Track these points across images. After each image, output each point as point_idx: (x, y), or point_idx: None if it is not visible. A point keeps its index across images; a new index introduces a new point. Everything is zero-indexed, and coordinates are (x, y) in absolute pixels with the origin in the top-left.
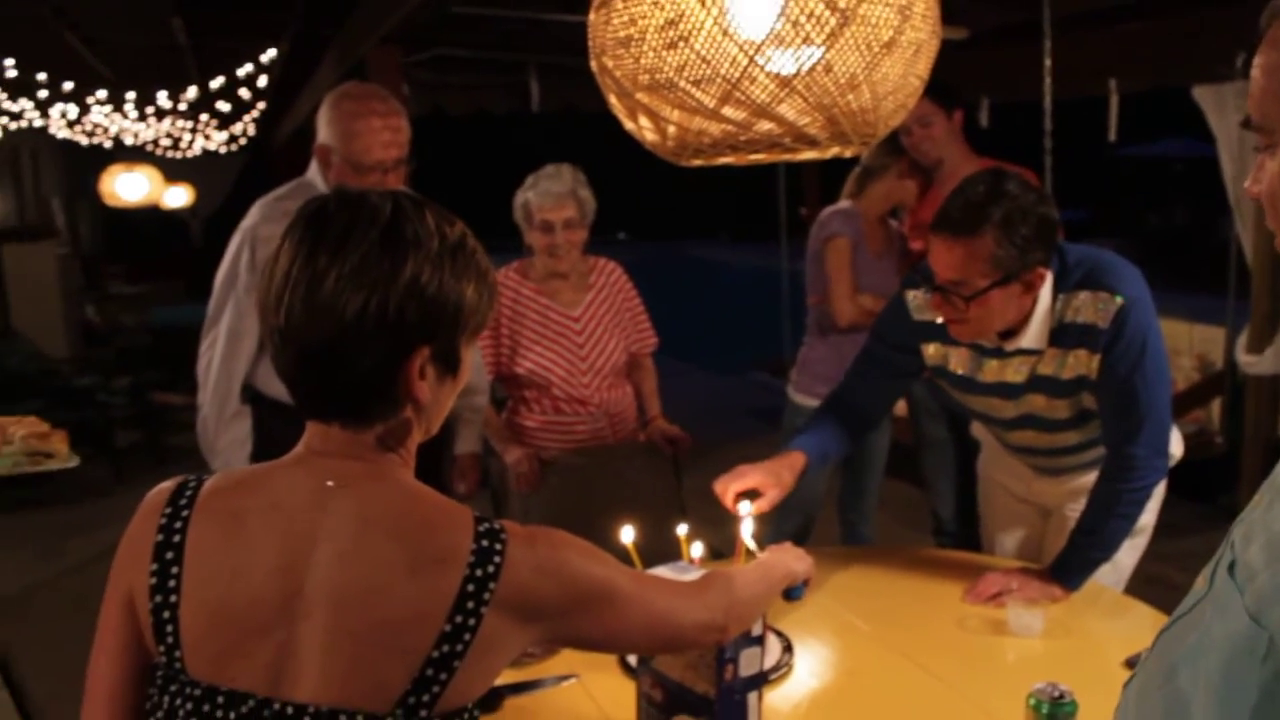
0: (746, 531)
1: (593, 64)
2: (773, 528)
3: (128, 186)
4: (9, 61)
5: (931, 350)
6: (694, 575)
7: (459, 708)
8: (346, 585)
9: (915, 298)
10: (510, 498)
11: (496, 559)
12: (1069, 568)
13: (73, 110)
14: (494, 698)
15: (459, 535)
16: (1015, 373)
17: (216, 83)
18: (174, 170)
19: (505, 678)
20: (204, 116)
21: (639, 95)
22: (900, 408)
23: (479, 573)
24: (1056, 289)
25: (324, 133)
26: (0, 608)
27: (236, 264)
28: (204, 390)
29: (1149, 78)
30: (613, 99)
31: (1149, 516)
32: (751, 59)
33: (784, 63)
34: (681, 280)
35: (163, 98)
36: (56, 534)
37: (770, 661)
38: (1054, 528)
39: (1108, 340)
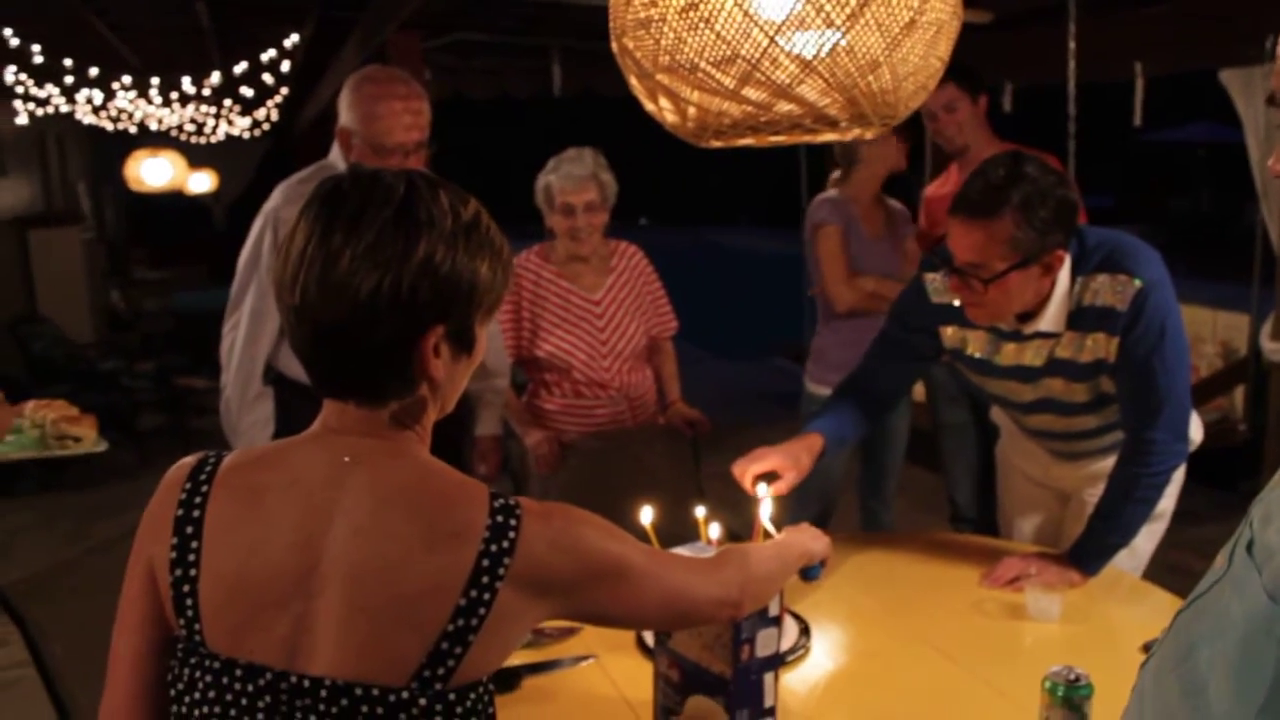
0: (765, 513)
1: (613, 45)
2: (792, 514)
3: (152, 172)
4: (36, 48)
5: (950, 333)
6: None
7: (474, 681)
8: (363, 560)
9: (934, 280)
10: (530, 480)
11: (511, 534)
12: (1087, 553)
13: (98, 96)
14: (512, 678)
15: (474, 510)
16: (1033, 356)
17: (240, 68)
18: (197, 155)
19: (523, 658)
20: (227, 102)
21: (659, 76)
22: (919, 392)
23: (494, 548)
24: (1075, 272)
25: (345, 116)
26: (29, 588)
27: (259, 246)
28: (227, 372)
29: (1175, 61)
30: (633, 80)
31: (1168, 502)
32: (772, 40)
33: (805, 43)
34: (702, 265)
35: (187, 83)
36: (82, 516)
37: (787, 643)
38: (1072, 513)
39: (1126, 323)
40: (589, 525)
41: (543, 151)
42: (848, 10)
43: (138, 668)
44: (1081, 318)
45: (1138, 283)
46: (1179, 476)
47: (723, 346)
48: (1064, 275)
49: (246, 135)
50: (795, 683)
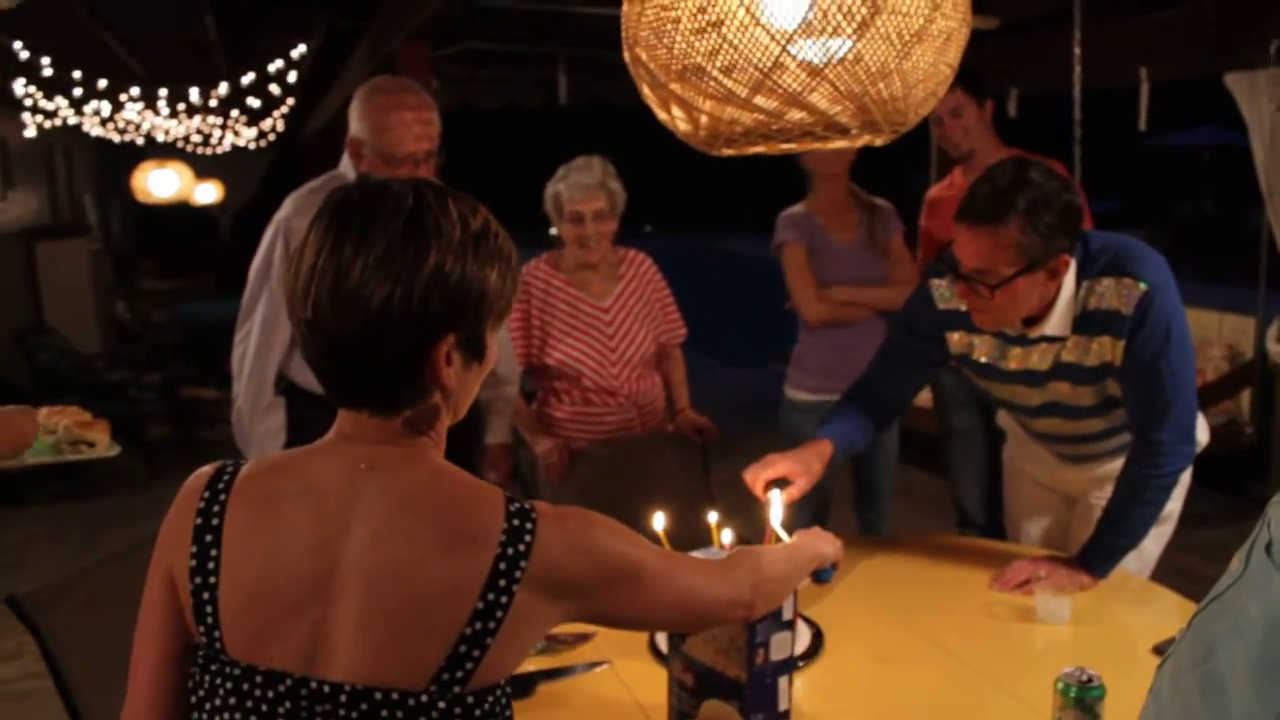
0: (777, 519)
1: (625, 55)
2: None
3: (160, 183)
4: (45, 60)
5: (956, 338)
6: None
7: (492, 684)
8: (380, 564)
9: (939, 286)
10: (540, 488)
11: (527, 537)
12: (1096, 555)
13: (106, 108)
14: (527, 684)
15: (490, 514)
16: (1040, 360)
17: (247, 79)
18: (203, 166)
19: (537, 664)
20: (234, 113)
21: (672, 85)
22: (925, 398)
23: (510, 551)
24: (1080, 276)
25: (356, 126)
26: (44, 599)
27: (270, 256)
28: (239, 382)
29: (1180, 66)
30: (645, 89)
31: (1174, 504)
32: (784, 48)
33: (815, 51)
34: (708, 273)
35: (194, 94)
36: (92, 527)
37: (800, 647)
38: (1079, 515)
39: (1132, 326)
40: (604, 528)
41: (549, 160)
42: (859, 18)
43: (158, 675)
44: (1087, 321)
45: (1143, 286)
46: (1185, 479)
47: (729, 354)
48: (1069, 279)
49: (253, 146)
50: (809, 686)
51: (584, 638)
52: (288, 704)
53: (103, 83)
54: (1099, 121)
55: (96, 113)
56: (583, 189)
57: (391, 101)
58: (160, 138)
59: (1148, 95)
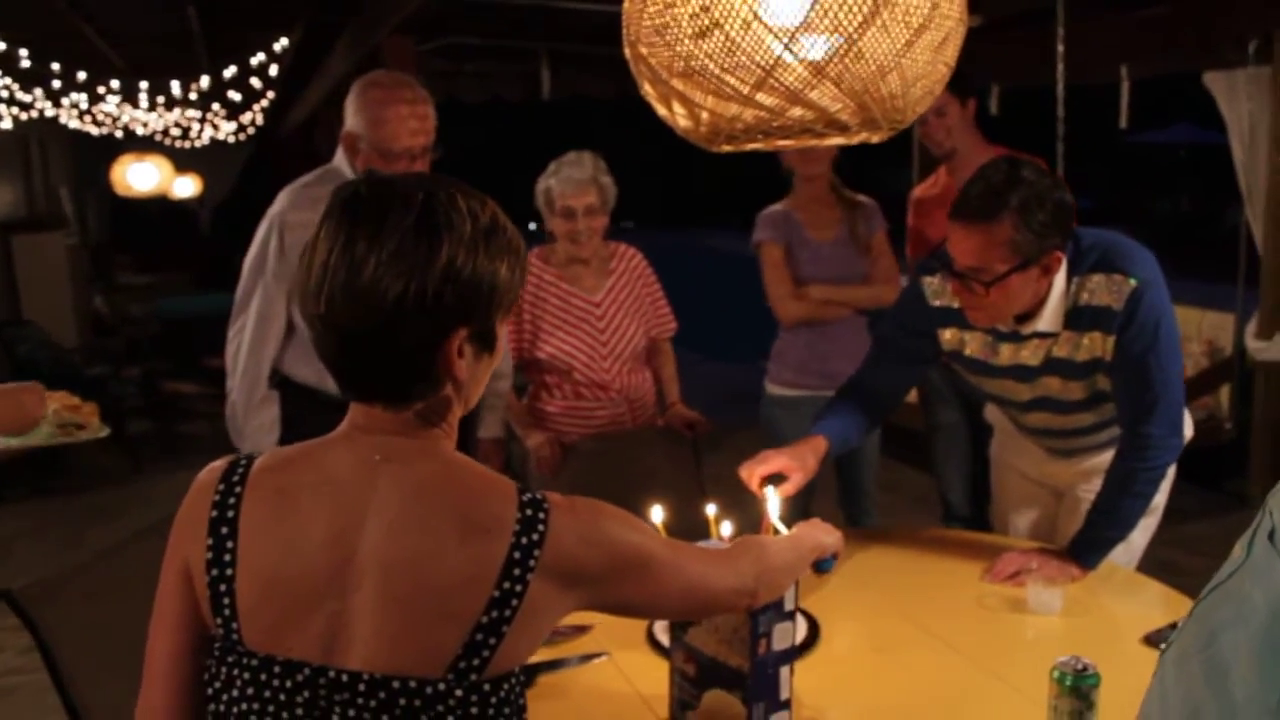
0: (774, 514)
1: (626, 51)
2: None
3: (139, 176)
4: (23, 52)
5: (948, 335)
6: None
7: (507, 671)
8: (396, 554)
9: (931, 283)
10: (531, 482)
11: (540, 527)
12: (1086, 547)
13: (84, 100)
14: (527, 676)
15: (504, 505)
16: (1031, 355)
17: (229, 72)
18: (182, 160)
19: (536, 656)
20: (215, 106)
21: (674, 82)
22: (909, 394)
23: (524, 540)
24: (1071, 272)
25: (352, 120)
26: (38, 593)
27: (265, 250)
28: (233, 376)
29: (1161, 64)
30: (646, 86)
31: (1160, 497)
32: (786, 45)
33: (817, 49)
34: (693, 268)
35: (175, 87)
36: (75, 522)
37: (797, 638)
38: (1066, 508)
39: (1122, 321)
40: (614, 518)
41: (532, 154)
42: (860, 16)
43: (174, 667)
44: (1078, 317)
45: (1133, 282)
46: (1171, 472)
47: (715, 349)
48: (1060, 276)
49: (231, 140)
50: (807, 676)
51: (582, 629)
52: (306, 693)
53: (82, 75)
54: (1078, 119)
55: (75, 105)
56: (574, 184)
57: (387, 96)
58: (139, 131)
59: (1128, 93)
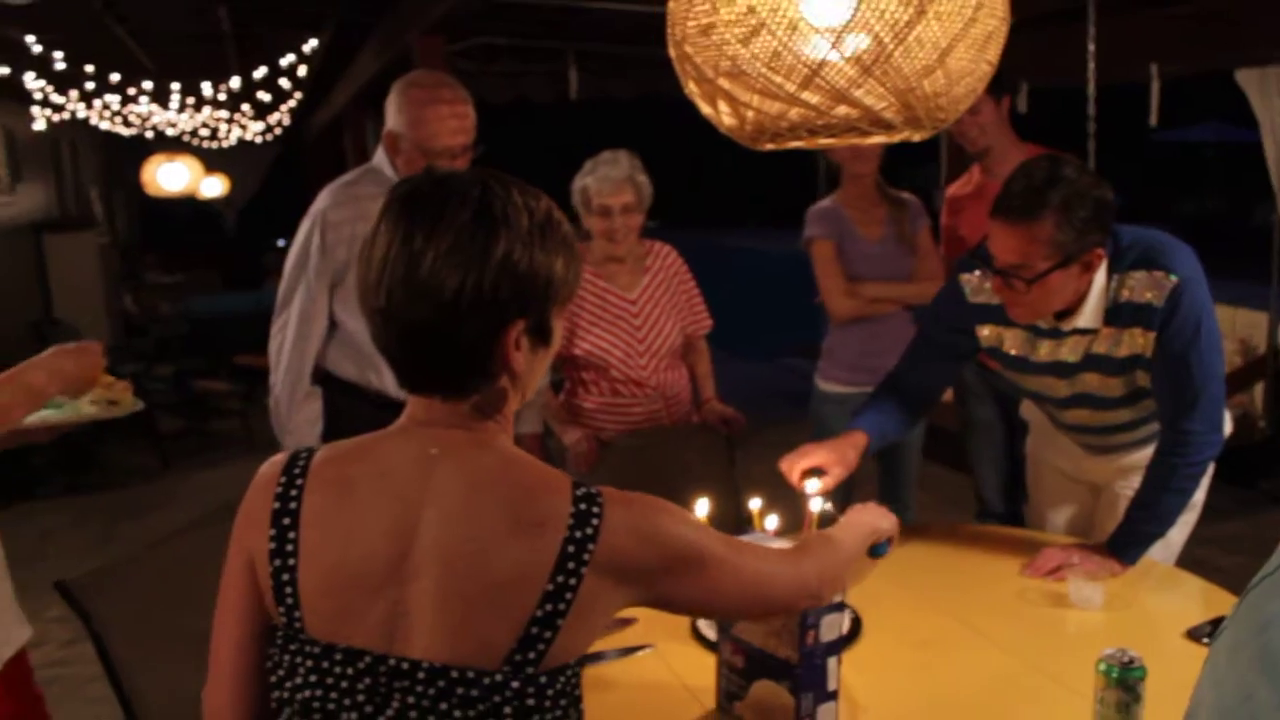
0: (815, 508)
1: (671, 51)
2: None
3: (169, 176)
4: (58, 54)
5: (986, 332)
6: (775, 545)
7: (563, 665)
8: (453, 547)
9: (970, 281)
10: None
11: (595, 521)
12: (1125, 542)
13: (116, 101)
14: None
15: (558, 499)
16: (1070, 352)
17: (259, 73)
18: (209, 161)
19: None
20: (244, 107)
21: (720, 81)
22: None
23: (578, 534)
24: (1111, 269)
25: (393, 120)
26: (83, 585)
27: (307, 248)
28: (275, 371)
29: (1192, 61)
30: (691, 85)
31: (1200, 494)
32: (834, 45)
33: (864, 48)
34: (715, 268)
35: (205, 88)
36: (109, 517)
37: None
38: (1104, 505)
39: (1163, 318)
40: (668, 513)
41: (561, 156)
42: (906, 15)
43: (239, 655)
44: (1118, 314)
45: (1174, 278)
46: (1210, 468)
47: (740, 347)
48: (1100, 273)
49: (259, 140)
50: (850, 669)
51: (626, 622)
52: (367, 680)
53: (115, 76)
54: (1106, 116)
55: (107, 106)
56: (611, 183)
57: (428, 96)
58: (169, 131)
59: (1158, 91)
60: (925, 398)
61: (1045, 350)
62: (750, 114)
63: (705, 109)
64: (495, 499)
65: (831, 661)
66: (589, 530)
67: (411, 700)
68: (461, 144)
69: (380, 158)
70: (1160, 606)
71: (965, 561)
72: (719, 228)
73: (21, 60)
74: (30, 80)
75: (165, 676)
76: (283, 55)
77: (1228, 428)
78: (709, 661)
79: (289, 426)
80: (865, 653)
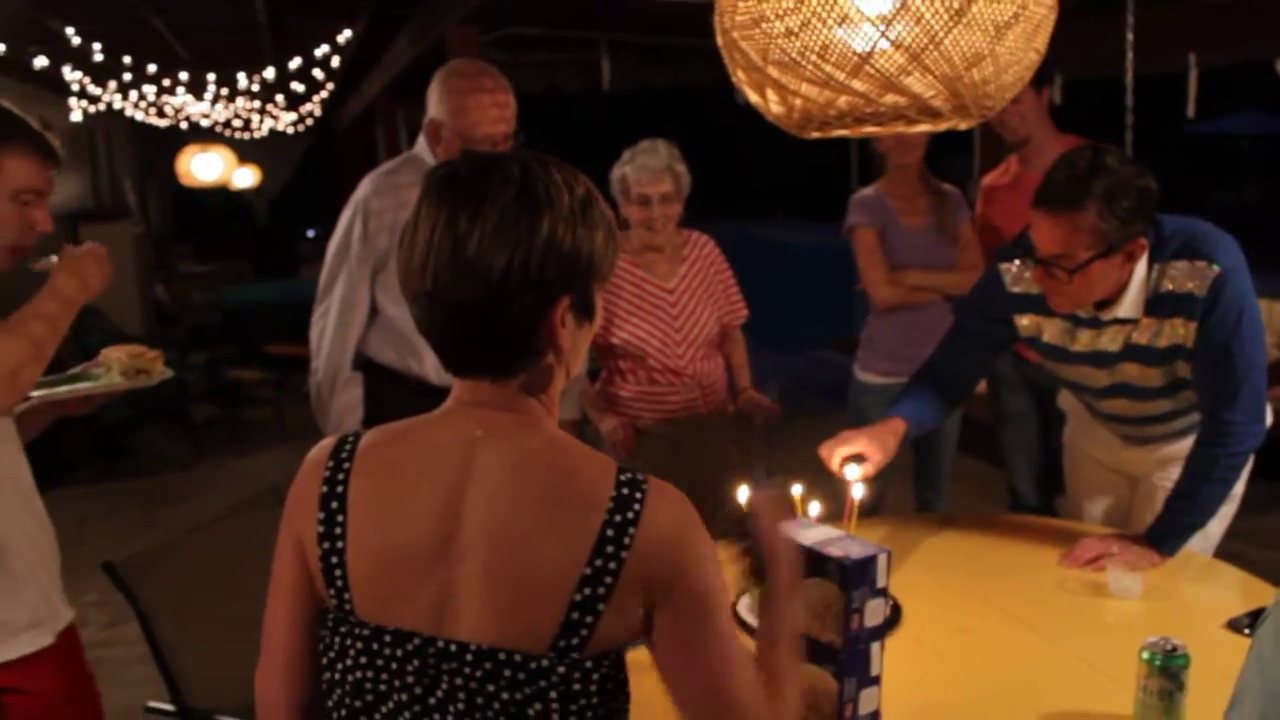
0: (857, 494)
1: (719, 39)
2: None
3: (203, 166)
4: (96, 46)
5: (1025, 322)
6: (817, 531)
7: (608, 650)
8: (497, 529)
9: (1009, 270)
10: None
11: (636, 507)
12: (1165, 533)
13: (151, 92)
14: None
15: (601, 482)
16: (1110, 342)
17: (294, 64)
18: (241, 151)
19: None
20: (278, 97)
21: (769, 69)
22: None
23: (617, 518)
24: (1153, 259)
25: (435, 108)
26: (131, 567)
27: (349, 236)
28: (316, 357)
29: (1230, 51)
30: (739, 73)
31: (1240, 485)
32: (883, 33)
33: (912, 36)
34: (746, 259)
35: (240, 79)
36: (144, 503)
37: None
38: (1142, 496)
39: (1205, 308)
40: (707, 541)
41: (593, 145)
42: (956, 4)
43: (290, 637)
44: (1159, 303)
45: (1216, 268)
46: (1250, 459)
47: (772, 338)
48: (1141, 262)
49: (290, 131)
50: (892, 655)
51: None
52: (416, 662)
53: (151, 68)
54: (1142, 107)
55: (143, 97)
56: (650, 172)
57: (470, 85)
58: (203, 123)
59: (1196, 82)
60: (962, 386)
61: (1084, 340)
62: (799, 102)
63: (753, 97)
64: (538, 481)
65: (875, 646)
66: (630, 514)
67: (459, 682)
68: (503, 132)
69: (421, 146)
70: (1199, 597)
71: (1002, 551)
72: (748, 219)
73: (60, 51)
74: (68, 72)
75: (208, 657)
76: (317, 46)
77: (1270, 418)
78: (751, 645)
79: (330, 412)
80: (905, 638)
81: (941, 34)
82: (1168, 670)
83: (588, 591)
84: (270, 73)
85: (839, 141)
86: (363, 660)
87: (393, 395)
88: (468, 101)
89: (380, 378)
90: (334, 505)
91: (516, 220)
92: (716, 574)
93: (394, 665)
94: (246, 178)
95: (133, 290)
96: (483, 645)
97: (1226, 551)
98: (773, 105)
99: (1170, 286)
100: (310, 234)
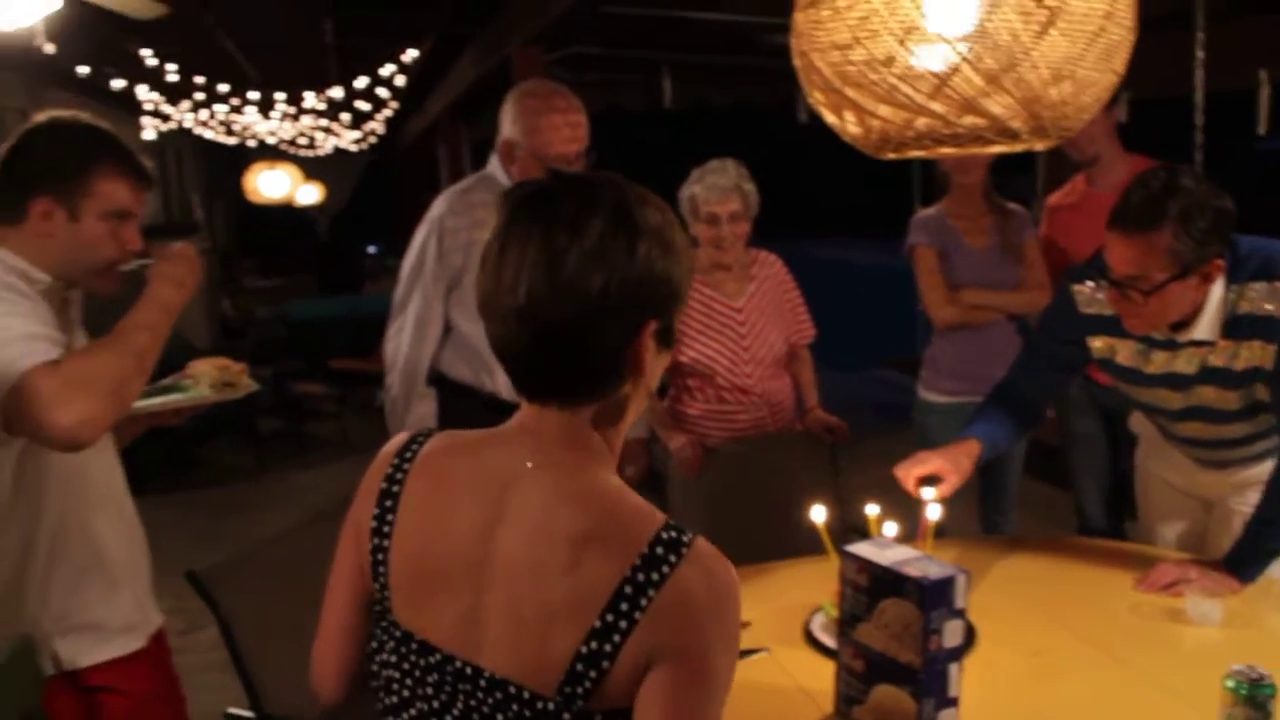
0: (932, 515)
1: (795, 61)
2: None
3: (270, 183)
4: (170, 67)
5: (1098, 344)
6: (895, 551)
7: (615, 708)
8: (520, 565)
9: (1082, 292)
10: (672, 483)
11: (665, 569)
12: (1245, 558)
13: (222, 111)
14: None
15: (639, 534)
16: (1185, 364)
17: (360, 83)
18: (305, 168)
19: None
20: (343, 116)
21: (847, 90)
22: None
23: (640, 577)
24: (1229, 280)
25: (509, 128)
26: (213, 576)
27: (424, 253)
28: (392, 372)
29: None
30: (817, 94)
31: None
32: (963, 55)
33: (992, 58)
34: (803, 278)
35: (309, 99)
36: (211, 513)
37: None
38: (1217, 520)
39: None
40: (734, 617)
41: (654, 164)
42: (1036, 26)
43: (346, 617)
44: (1237, 326)
45: None
46: None
47: (831, 358)
48: (1218, 283)
49: (353, 149)
50: (967, 678)
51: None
52: (435, 676)
53: (223, 87)
54: (1211, 125)
55: (213, 115)
56: (718, 191)
57: (544, 105)
58: (269, 140)
59: (1268, 98)
60: (1035, 408)
61: (1159, 362)
62: (876, 124)
63: (830, 118)
64: (566, 524)
65: (953, 667)
66: (655, 575)
67: (473, 704)
68: (575, 151)
69: (494, 165)
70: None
71: (1073, 573)
72: (807, 238)
73: (136, 72)
74: (144, 92)
75: (286, 666)
76: (383, 65)
77: None
78: (824, 666)
79: (404, 425)
80: (979, 660)
81: (1021, 56)
82: (1254, 700)
83: (594, 645)
84: (337, 92)
85: (901, 161)
86: (393, 660)
87: (465, 410)
88: (541, 121)
89: (453, 393)
90: (389, 503)
91: (614, 241)
92: (728, 654)
93: (417, 674)
94: (310, 194)
95: (201, 304)
96: (496, 674)
97: None
98: (850, 126)
99: (1248, 308)
100: (371, 250)
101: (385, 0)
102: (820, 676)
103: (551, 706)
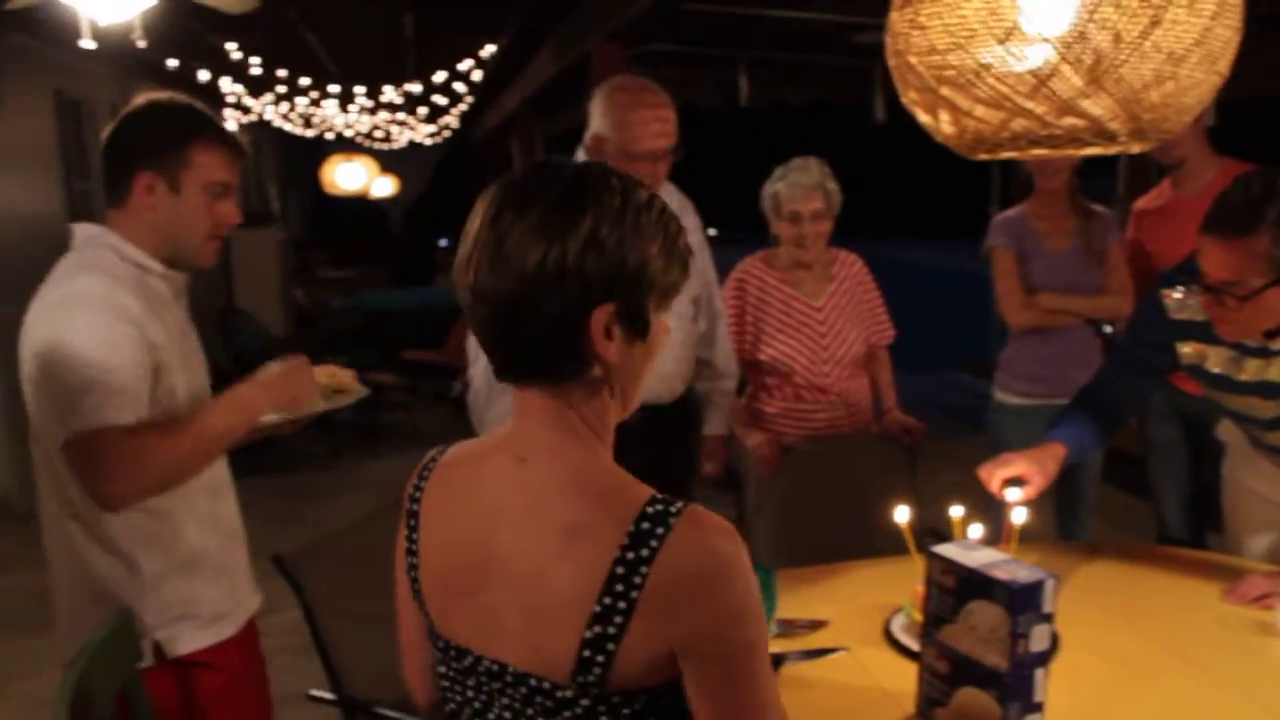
0: (1017, 519)
1: (890, 60)
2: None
3: (347, 176)
4: (254, 60)
5: (1188, 350)
6: (981, 553)
7: (639, 688)
8: (515, 561)
9: (1172, 297)
10: (748, 480)
11: (653, 543)
12: None
13: (302, 104)
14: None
15: (625, 513)
16: (1279, 372)
17: (438, 77)
18: (381, 161)
19: (775, 647)
20: (419, 110)
21: (943, 90)
22: None
23: (630, 555)
24: None
25: (599, 123)
26: (296, 559)
27: None
28: (474, 365)
29: None
30: (911, 94)
31: None
32: (1063, 55)
33: (1094, 58)
34: (878, 279)
35: (388, 92)
36: (287, 499)
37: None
38: None
39: None
40: (741, 587)
41: (728, 160)
42: (1140, 26)
43: (412, 632)
44: None
45: None
46: None
47: (904, 359)
48: None
49: (428, 143)
50: (1050, 684)
51: (819, 624)
52: (473, 679)
53: (304, 80)
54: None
55: (293, 108)
56: (801, 189)
57: (633, 100)
58: (346, 133)
59: None
60: (1120, 413)
61: (1252, 369)
62: (972, 124)
63: (924, 118)
64: (557, 514)
65: (1039, 672)
66: (644, 552)
67: (506, 701)
68: (664, 147)
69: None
70: None
71: (1156, 582)
72: (880, 239)
73: (221, 66)
74: (227, 84)
75: (367, 649)
76: (461, 60)
77: None
78: (905, 666)
79: (486, 418)
80: (1063, 668)
81: (1124, 56)
82: None
83: (598, 629)
84: (415, 86)
85: (979, 162)
86: (444, 669)
87: None
88: (630, 116)
89: None
90: (413, 523)
91: (557, 215)
92: (744, 626)
93: (459, 678)
94: (385, 187)
95: (276, 293)
96: (519, 669)
97: None
98: (944, 126)
99: None
100: (443, 243)
101: None
102: (900, 677)
103: (570, 694)
